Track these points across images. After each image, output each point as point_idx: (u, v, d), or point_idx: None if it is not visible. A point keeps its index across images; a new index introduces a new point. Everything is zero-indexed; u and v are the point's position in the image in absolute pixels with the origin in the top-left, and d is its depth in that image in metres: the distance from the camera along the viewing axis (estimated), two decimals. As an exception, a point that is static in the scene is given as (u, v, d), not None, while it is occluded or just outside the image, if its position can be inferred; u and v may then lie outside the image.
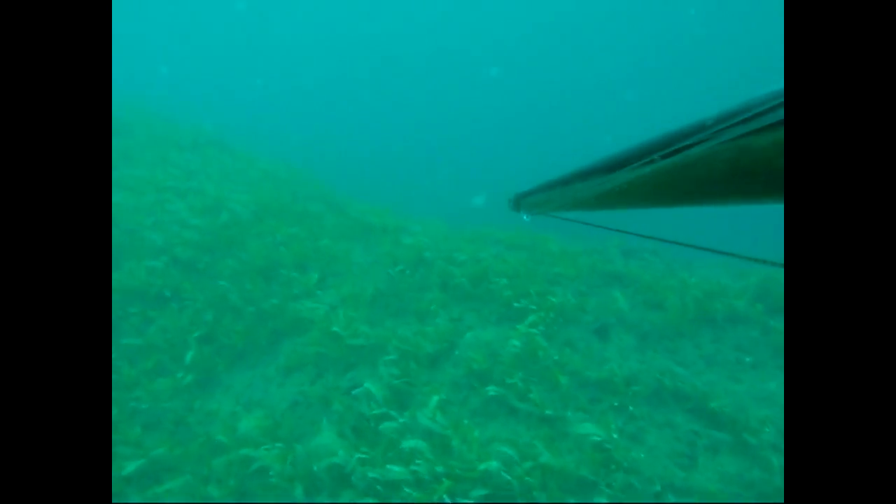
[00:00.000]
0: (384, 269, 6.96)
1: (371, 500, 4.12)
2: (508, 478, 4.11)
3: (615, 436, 4.29)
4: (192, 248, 7.10)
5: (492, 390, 5.03)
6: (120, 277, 6.54)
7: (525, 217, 1.46)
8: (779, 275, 6.58)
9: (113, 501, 4.09)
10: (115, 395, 5.60)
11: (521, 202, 1.40)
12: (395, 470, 4.20)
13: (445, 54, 31.57)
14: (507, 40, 30.53)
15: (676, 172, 0.96)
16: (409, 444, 4.39)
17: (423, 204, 10.20)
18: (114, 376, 5.78)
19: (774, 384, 5.31)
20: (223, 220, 7.67)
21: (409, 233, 7.85)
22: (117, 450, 5.02)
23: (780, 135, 0.77)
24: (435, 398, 4.92)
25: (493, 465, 4.18)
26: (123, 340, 6.11)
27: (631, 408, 4.69)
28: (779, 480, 4.29)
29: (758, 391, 5.24)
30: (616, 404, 4.75)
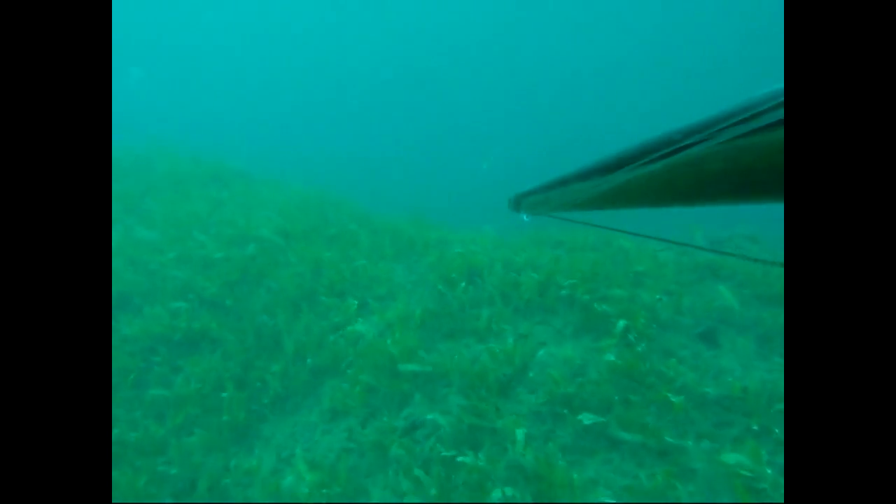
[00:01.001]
0: (432, 286, 6.25)
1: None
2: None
3: (768, 470, 3.33)
4: (218, 284, 6.62)
5: (586, 418, 4.16)
6: (142, 323, 6.10)
7: (525, 217, 1.51)
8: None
9: (113, 502, 3.86)
10: (143, 461, 5.04)
11: (521, 202, 1.44)
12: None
13: (455, 58, 31.64)
14: (506, 41, 30.48)
15: (676, 172, 0.99)
16: (496, 494, 3.57)
17: (461, 214, 9.50)
18: (141, 436, 5.24)
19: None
20: (250, 251, 7.20)
21: (453, 244, 7.15)
22: (144, 524, 4.42)
23: (779, 135, 0.80)
24: (520, 432, 4.09)
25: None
26: (150, 392, 5.60)
27: (777, 430, 3.71)
28: None
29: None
30: (756, 428, 3.78)
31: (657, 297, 5.31)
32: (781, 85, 0.77)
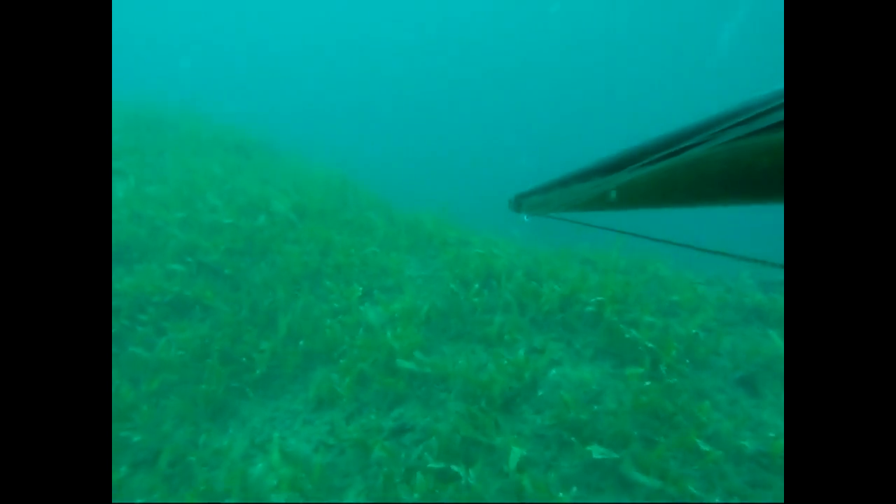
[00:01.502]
0: (444, 284, 5.87)
1: None
2: None
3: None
4: (220, 251, 6.35)
5: (596, 451, 3.70)
6: (133, 280, 5.85)
7: (525, 218, 1.52)
8: None
9: (113, 502, 3.88)
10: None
11: (521, 203, 1.46)
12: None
13: (483, 59, 31.92)
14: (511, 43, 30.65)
15: (677, 173, 1.02)
16: (480, 522, 3.13)
17: (487, 215, 9.09)
18: (111, 398, 4.94)
19: None
20: (260, 222, 6.93)
21: (473, 245, 6.77)
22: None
23: (779, 136, 0.82)
24: (516, 452, 3.66)
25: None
26: (129, 350, 5.31)
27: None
28: None
29: None
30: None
31: (693, 331, 4.83)
32: (781, 86, 0.78)
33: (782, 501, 2.55)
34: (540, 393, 4.36)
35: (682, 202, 1.22)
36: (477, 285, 5.66)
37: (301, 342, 5.39)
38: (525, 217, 1.53)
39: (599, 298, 5.17)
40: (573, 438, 3.93)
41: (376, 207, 8.49)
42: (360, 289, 5.95)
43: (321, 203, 7.74)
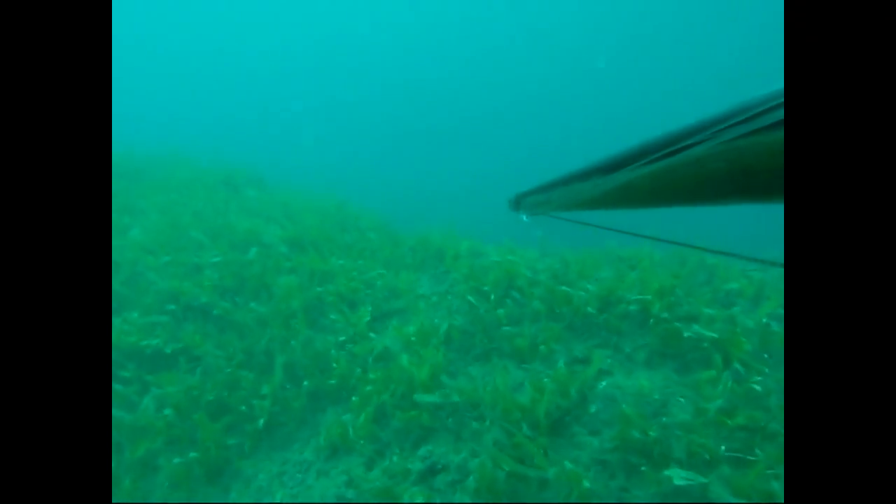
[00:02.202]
0: (462, 298, 5.29)
1: None
2: None
3: None
4: (209, 292, 5.83)
5: (676, 476, 3.04)
6: (112, 332, 5.31)
7: (524, 218, 1.59)
8: None
9: (113, 502, 3.82)
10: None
11: (521, 202, 1.52)
12: None
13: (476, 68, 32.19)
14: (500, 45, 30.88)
15: (676, 172, 1.02)
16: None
17: (502, 227, 8.54)
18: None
19: None
20: (251, 256, 6.43)
21: (489, 254, 6.21)
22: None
23: (779, 135, 0.81)
24: (575, 484, 3.01)
25: None
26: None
27: None
28: None
29: None
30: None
31: (763, 321, 4.19)
32: (781, 85, 0.79)
33: (782, 501, 2.40)
34: (593, 409, 3.72)
35: (681, 201, 1.23)
36: (497, 295, 5.08)
37: (305, 382, 4.80)
38: (524, 217, 1.58)
39: (643, 296, 4.56)
40: (643, 462, 3.28)
41: (377, 229, 7.99)
42: (368, 314, 5.38)
43: (317, 230, 7.25)
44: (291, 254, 6.62)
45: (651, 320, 4.38)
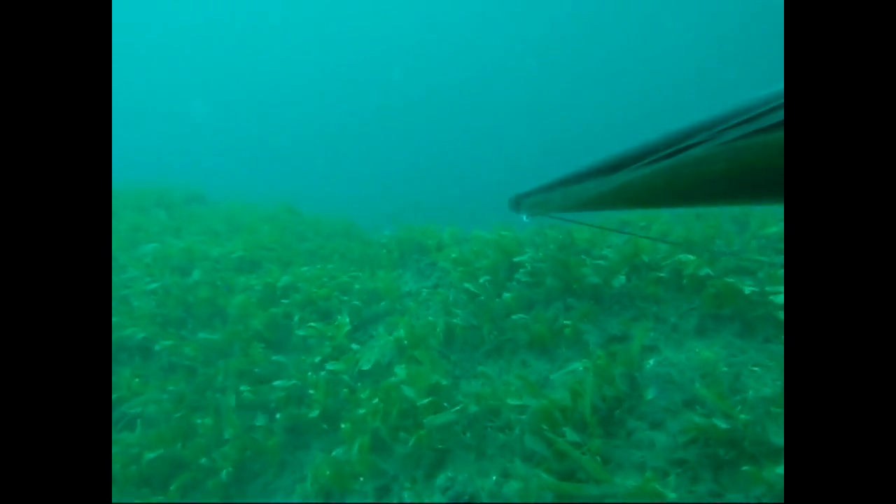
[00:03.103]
0: (456, 288, 4.53)
1: None
2: None
3: None
4: (146, 325, 4.88)
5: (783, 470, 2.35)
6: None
7: (525, 218, 1.60)
8: None
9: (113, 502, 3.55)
10: None
11: (521, 202, 1.54)
12: None
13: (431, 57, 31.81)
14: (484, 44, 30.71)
15: (677, 173, 1.05)
16: None
17: (476, 216, 7.86)
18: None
19: None
20: (195, 277, 5.50)
21: (478, 238, 5.48)
22: None
23: (779, 135, 0.84)
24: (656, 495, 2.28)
25: None
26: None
27: None
28: None
29: None
30: None
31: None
32: (781, 86, 0.82)
33: (782, 501, 2.33)
34: (649, 396, 3.01)
35: (682, 202, 1.26)
36: (499, 278, 4.34)
37: (278, 415, 3.93)
38: (524, 217, 1.60)
39: (676, 255, 3.91)
40: (732, 455, 2.57)
41: (342, 234, 7.16)
42: (347, 323, 4.55)
43: (271, 239, 6.37)
44: (244, 269, 5.72)
45: (691, 280, 3.72)
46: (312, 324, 4.51)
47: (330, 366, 4.16)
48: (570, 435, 2.83)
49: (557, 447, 2.82)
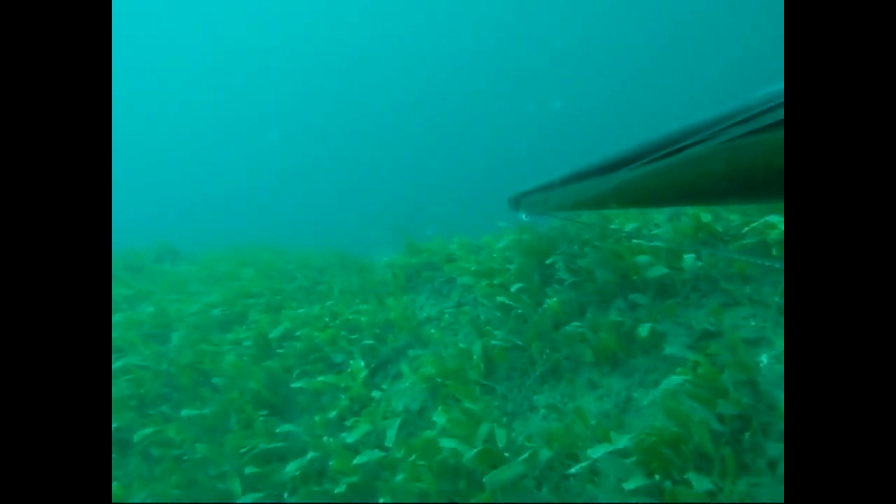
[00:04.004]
0: (486, 304, 3.81)
1: None
2: None
3: None
4: (121, 410, 4.11)
5: None
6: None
7: (524, 217, 1.71)
8: None
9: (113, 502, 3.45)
10: None
11: (520, 201, 1.64)
12: None
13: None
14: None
15: (676, 172, 1.08)
16: None
17: (472, 222, 7.13)
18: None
19: None
20: (175, 342, 4.74)
21: (500, 240, 4.78)
22: None
23: (779, 135, 0.85)
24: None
25: None
26: None
27: None
28: None
29: None
30: None
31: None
32: (781, 85, 0.83)
33: (782, 501, 2.05)
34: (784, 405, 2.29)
35: (681, 201, 1.37)
36: (535, 283, 3.64)
37: (285, 494, 3.16)
38: (523, 216, 1.71)
39: (756, 217, 3.23)
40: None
41: (337, 265, 6.42)
42: (362, 366, 3.81)
43: (256, 286, 5.62)
44: (231, 322, 4.97)
45: (776, 249, 3.03)
46: (322, 378, 3.76)
47: (350, 424, 3.41)
48: (698, 480, 2.10)
49: (679, 494, 2.09)
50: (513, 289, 3.62)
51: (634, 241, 3.39)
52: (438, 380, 3.38)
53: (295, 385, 3.84)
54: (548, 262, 3.84)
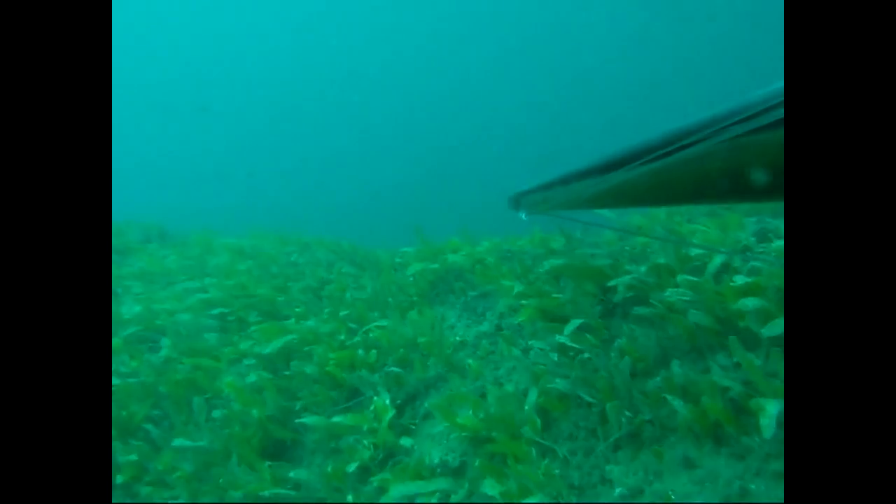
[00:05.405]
0: (538, 336, 3.26)
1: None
2: None
3: None
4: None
5: None
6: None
7: (523, 216, 1.65)
8: None
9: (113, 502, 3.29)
10: None
11: (520, 200, 1.60)
12: None
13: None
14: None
15: (676, 171, 1.08)
16: None
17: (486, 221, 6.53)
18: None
19: None
20: (163, 353, 4.16)
21: (525, 255, 4.20)
22: None
23: (779, 134, 0.87)
24: None
25: None
26: None
27: None
28: None
29: None
30: None
31: None
32: (781, 84, 0.84)
33: (782, 501, 2.03)
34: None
35: (681, 200, 1.42)
36: (592, 317, 3.09)
37: (315, 580, 2.65)
38: (523, 215, 1.67)
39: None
40: None
41: (347, 260, 5.82)
42: (388, 403, 3.26)
43: (259, 286, 5.02)
44: (227, 332, 4.39)
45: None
46: (338, 418, 3.21)
47: (379, 479, 2.88)
48: None
49: None
50: (570, 327, 3.06)
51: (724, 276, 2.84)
52: (482, 433, 2.85)
53: (307, 421, 3.29)
54: (609, 284, 3.29)
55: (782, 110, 0.80)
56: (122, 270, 5.99)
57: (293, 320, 4.38)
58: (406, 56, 30.89)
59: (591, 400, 2.70)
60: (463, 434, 2.95)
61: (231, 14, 33.80)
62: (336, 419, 3.21)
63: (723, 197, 1.24)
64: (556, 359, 3.00)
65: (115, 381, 3.88)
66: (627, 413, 2.58)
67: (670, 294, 2.90)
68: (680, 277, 2.96)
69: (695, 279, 2.85)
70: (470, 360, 3.44)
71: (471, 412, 2.99)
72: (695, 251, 3.15)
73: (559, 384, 2.82)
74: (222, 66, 34.09)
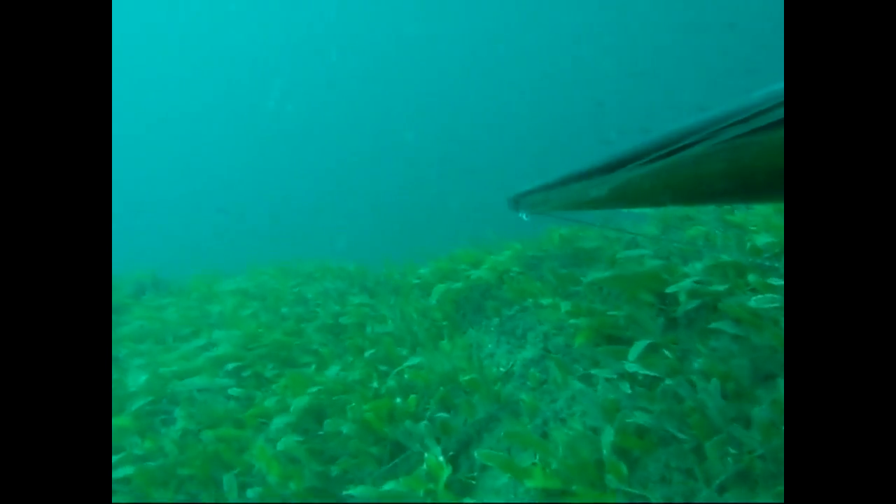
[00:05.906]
0: (609, 376, 2.90)
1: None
2: None
3: None
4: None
5: None
6: None
7: (524, 216, 1.67)
8: None
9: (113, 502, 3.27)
10: None
11: (520, 201, 1.60)
12: None
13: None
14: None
15: (677, 172, 1.06)
16: None
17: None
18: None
19: None
20: (179, 426, 3.78)
21: (583, 246, 3.83)
22: None
23: (779, 134, 0.85)
24: None
25: None
26: None
27: None
28: None
29: None
30: None
31: None
32: (781, 85, 0.82)
33: (782, 501, 2.01)
34: None
35: (681, 201, 1.42)
36: (655, 331, 2.73)
37: None
38: (524, 215, 1.70)
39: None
40: None
41: (358, 287, 5.45)
42: (441, 459, 2.90)
43: (269, 332, 4.64)
44: (246, 390, 4.01)
45: None
46: (389, 485, 2.84)
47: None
48: None
49: None
50: (636, 350, 2.70)
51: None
52: (551, 484, 2.49)
53: (354, 493, 2.93)
54: (668, 290, 2.93)
55: (782, 110, 0.79)
56: (121, 331, 5.58)
57: (313, 368, 4.01)
58: (403, 60, 30.54)
59: (681, 435, 2.34)
60: (531, 485, 2.59)
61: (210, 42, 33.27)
62: (387, 486, 2.84)
63: (723, 198, 1.19)
64: (628, 390, 2.63)
65: (129, 468, 3.50)
66: (735, 453, 2.23)
67: (747, 297, 2.54)
68: (752, 277, 2.60)
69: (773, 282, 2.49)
70: (523, 395, 3.08)
71: (536, 458, 2.64)
72: (761, 240, 2.79)
73: (639, 418, 2.46)
74: (201, 93, 33.57)
